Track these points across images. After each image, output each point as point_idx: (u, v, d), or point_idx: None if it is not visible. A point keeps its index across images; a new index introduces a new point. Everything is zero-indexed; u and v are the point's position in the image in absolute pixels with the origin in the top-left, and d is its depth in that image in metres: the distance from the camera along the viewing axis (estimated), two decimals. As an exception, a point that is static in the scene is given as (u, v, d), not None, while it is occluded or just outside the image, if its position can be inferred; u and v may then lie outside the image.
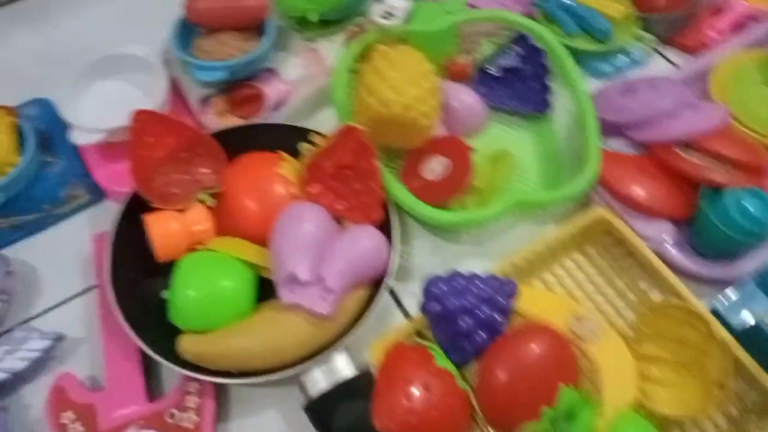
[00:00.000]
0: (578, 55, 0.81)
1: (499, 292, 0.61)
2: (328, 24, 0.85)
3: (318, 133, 0.71)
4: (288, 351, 0.61)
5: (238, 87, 0.81)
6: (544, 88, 0.81)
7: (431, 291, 0.60)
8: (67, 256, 0.74)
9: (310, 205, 0.67)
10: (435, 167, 0.72)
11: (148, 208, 0.68)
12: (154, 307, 0.65)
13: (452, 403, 0.57)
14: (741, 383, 0.60)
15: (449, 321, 0.59)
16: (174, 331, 0.63)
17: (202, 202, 0.69)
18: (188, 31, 0.83)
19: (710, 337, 0.57)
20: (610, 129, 0.75)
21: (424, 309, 0.61)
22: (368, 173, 0.68)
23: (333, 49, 0.85)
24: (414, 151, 0.75)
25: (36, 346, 0.64)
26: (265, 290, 0.66)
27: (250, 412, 0.65)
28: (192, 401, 0.61)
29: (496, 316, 0.60)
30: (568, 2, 0.88)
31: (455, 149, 0.72)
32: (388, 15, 0.77)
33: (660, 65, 0.90)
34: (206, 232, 0.68)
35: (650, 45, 0.88)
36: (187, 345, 0.61)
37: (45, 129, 0.77)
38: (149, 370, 0.65)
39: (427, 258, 0.74)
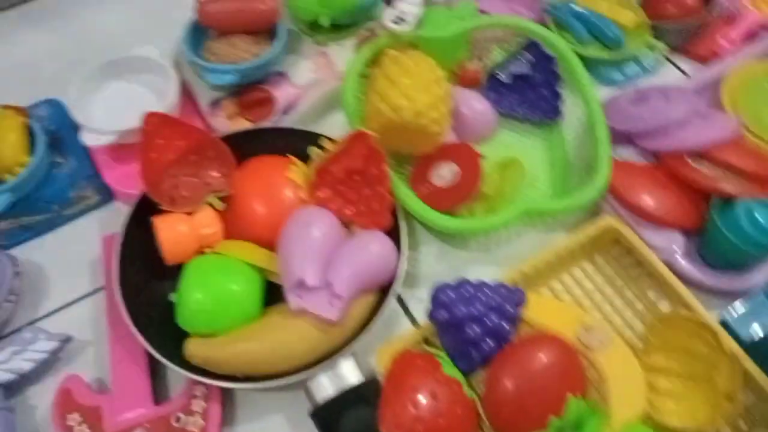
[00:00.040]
0: (589, 63, 0.81)
1: (507, 301, 0.60)
2: (339, 28, 0.85)
3: (328, 138, 0.71)
4: (295, 356, 0.61)
5: (249, 90, 0.81)
6: (555, 96, 0.81)
7: (439, 298, 0.60)
8: (75, 257, 0.75)
9: (319, 209, 0.67)
10: (444, 173, 0.72)
11: (157, 211, 0.68)
12: (162, 310, 0.65)
13: (459, 412, 0.56)
14: (750, 396, 0.60)
15: (457, 329, 0.59)
16: (181, 335, 0.63)
17: (210, 205, 0.69)
18: (199, 33, 0.83)
19: (719, 350, 0.56)
20: (620, 138, 0.75)
21: (432, 316, 0.60)
22: (378, 179, 0.68)
23: (343, 54, 0.84)
24: (423, 157, 0.74)
25: (43, 347, 0.64)
26: (272, 294, 0.66)
27: (256, 417, 0.65)
28: (198, 405, 0.61)
29: (504, 324, 0.59)
30: (580, 10, 0.87)
31: (465, 156, 0.72)
32: (399, 20, 0.77)
33: (671, 74, 0.89)
34: (215, 235, 0.68)
35: (661, 54, 0.88)
36: (194, 349, 0.61)
37: (55, 129, 0.78)
38: (155, 373, 0.65)
39: (434, 264, 0.74)
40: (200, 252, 0.68)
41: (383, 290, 0.66)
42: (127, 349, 0.64)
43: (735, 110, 0.78)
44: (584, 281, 0.70)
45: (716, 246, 0.67)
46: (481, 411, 0.58)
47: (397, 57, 0.71)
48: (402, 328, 0.70)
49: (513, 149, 0.80)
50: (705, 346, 0.57)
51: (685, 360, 0.59)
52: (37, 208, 0.74)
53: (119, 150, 0.75)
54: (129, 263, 0.66)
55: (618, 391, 0.57)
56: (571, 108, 0.81)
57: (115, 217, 0.76)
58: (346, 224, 0.69)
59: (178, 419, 0.61)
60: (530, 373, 0.56)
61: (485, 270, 0.72)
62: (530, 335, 0.60)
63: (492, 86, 0.83)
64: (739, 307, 0.64)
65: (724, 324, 0.62)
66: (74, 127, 0.76)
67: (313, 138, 0.72)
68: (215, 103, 0.81)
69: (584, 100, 0.76)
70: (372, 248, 0.64)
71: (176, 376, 0.64)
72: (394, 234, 0.67)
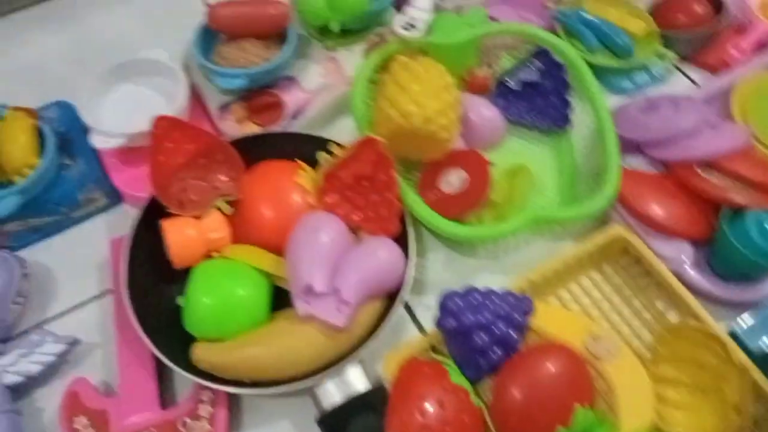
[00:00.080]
0: (598, 71, 0.80)
1: (515, 309, 0.60)
2: (348, 33, 0.85)
3: (336, 143, 0.71)
4: (302, 362, 0.61)
5: (258, 94, 0.81)
6: (564, 103, 0.81)
7: (447, 306, 0.60)
8: (83, 259, 0.75)
9: (327, 215, 0.67)
10: (453, 180, 0.72)
11: (165, 214, 0.68)
12: (169, 314, 0.65)
13: (466, 420, 0.56)
14: (759, 408, 0.59)
15: (465, 337, 0.59)
16: (188, 339, 0.63)
17: (219, 209, 0.69)
18: (210, 37, 0.83)
19: (728, 361, 0.56)
20: (629, 146, 0.74)
21: (440, 324, 0.60)
22: (386, 185, 0.68)
23: (353, 59, 0.84)
24: (432, 164, 0.74)
25: (51, 350, 0.65)
26: (279, 299, 0.66)
27: (262, 422, 0.65)
28: (205, 410, 0.61)
29: (512, 333, 0.59)
30: (590, 18, 0.87)
31: (474, 163, 0.72)
32: (409, 26, 0.77)
33: (680, 83, 0.89)
34: (222, 239, 0.68)
35: (671, 62, 0.88)
36: (201, 353, 0.61)
37: (65, 132, 0.78)
38: (162, 377, 0.65)
39: (441, 271, 0.74)
40: (208, 256, 0.68)
41: (390, 297, 0.65)
42: (135, 352, 0.64)
43: (745, 120, 0.78)
44: (592, 290, 0.70)
45: (725, 256, 0.67)
46: (488, 420, 0.57)
47: (407, 63, 0.71)
48: (409, 335, 0.69)
49: (521, 156, 0.80)
50: (714, 357, 0.57)
51: (693, 371, 0.59)
52: (46, 210, 0.74)
53: (128, 153, 0.76)
54: (137, 266, 0.66)
55: (626, 401, 0.56)
56: (580, 116, 0.81)
57: (123, 219, 0.76)
58: (354, 230, 0.69)
59: (184, 424, 0.60)
60: (538, 382, 0.56)
61: (493, 278, 0.72)
62: (538, 344, 0.60)
63: (501, 93, 0.83)
64: (748, 319, 0.63)
65: (733, 335, 0.62)
66: (84, 130, 0.76)
67: (322, 143, 0.72)
68: (224, 107, 0.81)
69: (593, 109, 0.76)
70: (380, 254, 0.64)
71: (183, 380, 0.64)
72: (401, 240, 0.67)
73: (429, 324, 0.68)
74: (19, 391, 0.65)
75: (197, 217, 0.68)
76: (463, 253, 0.75)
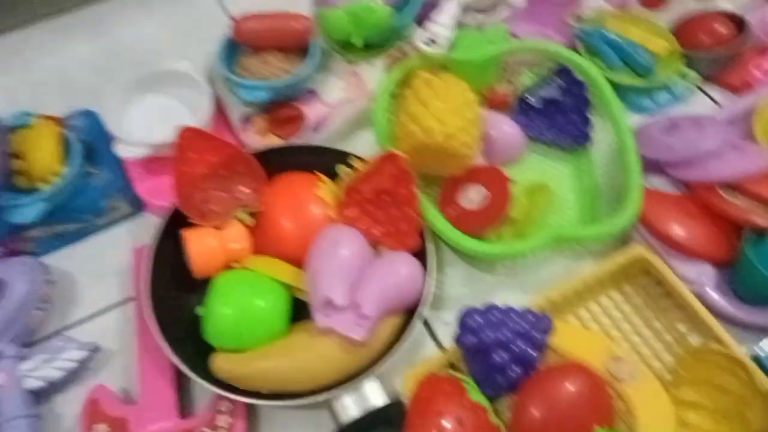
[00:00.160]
0: (619, 90, 0.80)
1: (534, 327, 0.60)
2: (370, 48, 0.86)
3: (357, 157, 0.72)
4: (320, 375, 0.61)
5: (279, 107, 0.82)
6: (585, 122, 0.81)
7: (467, 323, 0.60)
8: (105, 266, 0.75)
9: (348, 229, 0.67)
10: (473, 196, 0.72)
11: (187, 224, 0.68)
12: (189, 324, 0.65)
13: (484, 438, 0.56)
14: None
15: (484, 354, 0.59)
16: (207, 348, 0.64)
17: (240, 220, 0.70)
18: (233, 49, 0.84)
19: (751, 386, 0.56)
20: (650, 166, 0.74)
21: (459, 341, 0.60)
22: (407, 200, 0.68)
23: (374, 73, 0.85)
24: (452, 179, 0.75)
25: (73, 356, 0.65)
26: (297, 311, 0.66)
27: (279, 434, 0.65)
28: (223, 420, 0.61)
29: (531, 351, 0.59)
30: (612, 36, 0.87)
31: (494, 180, 0.72)
32: (431, 42, 0.78)
33: (702, 103, 0.89)
34: (243, 250, 0.69)
35: (693, 82, 0.87)
36: (220, 364, 0.62)
37: (90, 140, 0.78)
38: (180, 386, 0.66)
39: (460, 287, 0.74)
40: (228, 266, 0.68)
41: (409, 312, 0.66)
42: (155, 361, 0.65)
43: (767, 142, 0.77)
44: (612, 310, 0.70)
45: (748, 279, 0.67)
46: (506, 438, 0.57)
47: (430, 79, 0.71)
48: (427, 351, 0.69)
49: (541, 174, 0.80)
50: (737, 382, 0.57)
51: (715, 395, 0.59)
52: (70, 217, 0.75)
53: (152, 162, 0.76)
54: (158, 275, 0.67)
55: (646, 424, 0.56)
56: (600, 134, 0.81)
57: (145, 228, 0.77)
58: (373, 244, 0.69)
59: (202, 434, 0.61)
60: (557, 402, 0.56)
61: (511, 295, 0.72)
62: (557, 363, 0.60)
63: (521, 110, 0.83)
64: (771, 344, 0.63)
65: (756, 360, 0.62)
66: (108, 138, 0.77)
67: (343, 156, 0.73)
68: (246, 119, 0.82)
69: (615, 127, 0.76)
70: (400, 270, 0.64)
71: (201, 389, 0.65)
72: (421, 255, 0.68)
73: (447, 340, 0.68)
74: (40, 396, 0.65)
75: (218, 228, 0.69)
76: (482, 270, 0.75)
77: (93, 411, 0.62)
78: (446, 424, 0.55)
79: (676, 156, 0.73)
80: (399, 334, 0.64)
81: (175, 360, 0.61)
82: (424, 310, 0.65)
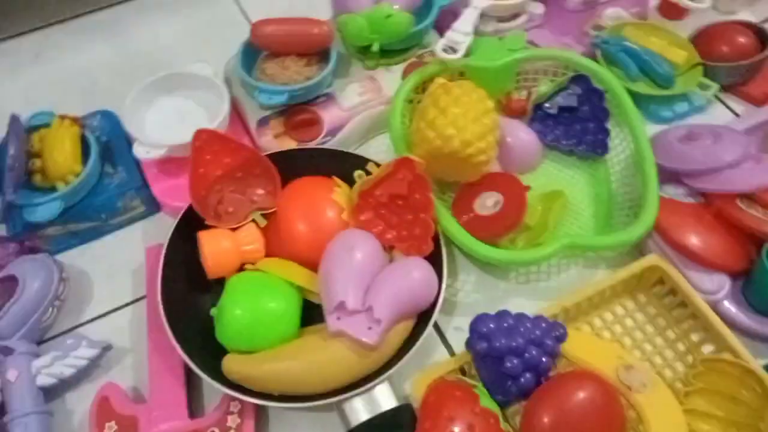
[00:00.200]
0: (638, 99, 0.80)
1: (547, 335, 0.60)
2: (388, 54, 0.86)
3: (373, 162, 0.72)
4: (331, 378, 0.61)
5: (296, 110, 0.82)
6: (602, 130, 0.80)
7: (479, 329, 0.59)
8: (118, 265, 0.76)
9: (362, 233, 0.67)
10: (488, 203, 0.72)
11: (201, 225, 0.69)
12: (201, 324, 0.66)
13: (495, 445, 0.56)
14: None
15: (495, 360, 0.58)
16: (218, 349, 0.64)
17: (254, 222, 0.70)
18: (251, 52, 0.85)
19: (765, 398, 0.55)
20: (666, 175, 0.74)
21: (471, 347, 0.60)
22: (422, 205, 0.68)
23: (391, 79, 0.85)
24: (468, 185, 0.74)
25: (85, 354, 0.65)
26: (308, 313, 0.66)
27: (288, 436, 0.65)
28: (233, 421, 0.61)
29: (543, 358, 0.59)
30: (632, 45, 0.87)
31: (511, 187, 0.71)
32: (450, 49, 0.78)
33: (720, 113, 0.88)
34: (257, 252, 0.69)
35: (712, 93, 0.87)
36: (232, 365, 0.62)
37: (107, 140, 0.80)
38: (191, 386, 0.66)
39: (472, 293, 0.74)
40: (242, 268, 0.68)
41: (420, 316, 0.65)
42: (166, 360, 0.65)
43: (786, 154, 0.76)
44: (625, 319, 0.69)
45: (764, 291, 0.66)
46: (516, 445, 0.57)
47: (448, 86, 0.71)
48: (438, 356, 0.69)
49: (556, 181, 0.80)
50: (751, 393, 0.56)
51: (728, 406, 0.58)
52: (86, 216, 0.75)
53: (168, 163, 0.77)
54: (172, 275, 0.67)
55: (658, 433, 0.56)
56: (617, 143, 0.80)
57: (159, 228, 0.78)
58: (387, 248, 0.69)
59: (212, 434, 0.61)
60: (568, 410, 0.56)
61: (524, 302, 0.72)
62: (569, 371, 0.59)
63: (538, 117, 0.83)
64: (786, 356, 0.62)
65: (771, 372, 0.61)
66: (126, 139, 0.78)
67: (358, 161, 0.73)
68: (263, 122, 0.82)
69: (633, 136, 0.76)
70: (414, 275, 0.64)
71: (210, 390, 0.65)
72: (434, 260, 0.67)
73: (458, 345, 0.68)
74: (52, 392, 0.65)
75: (233, 229, 0.69)
76: (495, 276, 0.74)
77: (103, 409, 0.62)
78: (457, 430, 0.55)
79: (693, 166, 0.72)
80: (410, 338, 0.64)
81: (187, 359, 0.61)
82: (436, 316, 0.65)
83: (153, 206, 0.79)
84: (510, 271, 0.75)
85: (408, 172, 0.68)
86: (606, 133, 0.80)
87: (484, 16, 0.85)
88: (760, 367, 0.60)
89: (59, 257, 0.75)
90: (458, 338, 0.69)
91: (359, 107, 0.83)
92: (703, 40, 0.89)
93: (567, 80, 0.81)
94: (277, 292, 0.65)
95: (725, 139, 0.73)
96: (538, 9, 0.91)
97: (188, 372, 0.64)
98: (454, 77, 0.79)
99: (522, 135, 0.79)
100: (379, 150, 0.84)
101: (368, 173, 0.70)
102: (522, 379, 0.58)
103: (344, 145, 0.81)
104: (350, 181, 0.72)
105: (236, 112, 0.84)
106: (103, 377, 0.68)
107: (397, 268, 0.65)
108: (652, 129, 0.84)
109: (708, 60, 0.87)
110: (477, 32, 0.82)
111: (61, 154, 0.73)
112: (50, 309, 0.69)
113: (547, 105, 0.82)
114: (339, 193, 0.71)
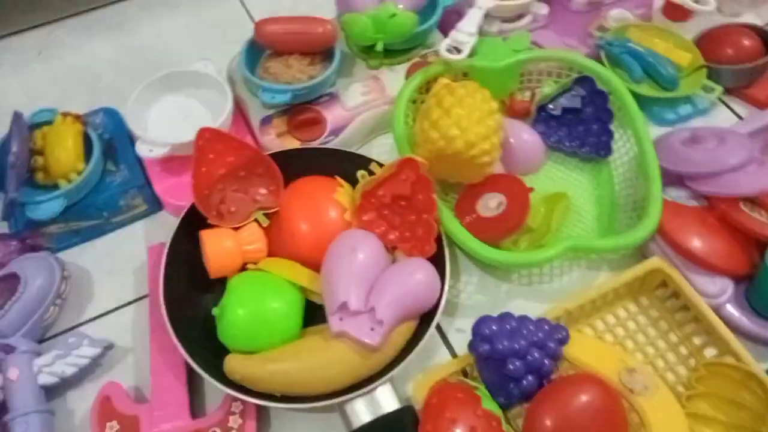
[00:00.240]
0: (642, 101, 0.80)
1: (549, 337, 0.60)
2: (392, 53, 0.86)
3: (376, 162, 0.72)
4: (333, 379, 0.61)
5: (299, 110, 0.82)
6: (605, 132, 0.80)
7: (481, 331, 0.59)
8: (120, 264, 0.76)
9: (365, 233, 0.67)
10: (491, 204, 0.72)
11: (204, 224, 0.69)
12: (202, 323, 0.66)
13: (496, 448, 0.56)
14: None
15: (498, 363, 0.58)
16: (220, 349, 0.64)
17: (257, 221, 0.70)
18: (255, 51, 0.84)
19: (768, 402, 0.55)
20: (669, 178, 0.73)
21: (473, 349, 0.60)
22: (425, 206, 0.68)
23: (395, 79, 0.85)
24: (471, 186, 0.74)
25: (86, 353, 0.65)
26: (311, 314, 0.66)
27: (290, 437, 0.65)
28: (234, 421, 0.61)
29: (546, 361, 0.59)
30: (635, 47, 0.87)
31: (514, 189, 0.71)
32: (454, 49, 0.78)
33: (724, 116, 0.88)
34: (259, 251, 0.69)
35: (716, 95, 0.86)
36: (233, 365, 0.61)
37: (110, 138, 0.79)
38: (193, 386, 0.65)
39: (474, 294, 0.73)
40: (244, 267, 0.68)
41: (423, 318, 0.65)
42: (167, 359, 0.65)
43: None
44: (627, 322, 0.69)
45: (767, 295, 0.66)
46: (518, 448, 0.57)
47: (452, 87, 0.71)
48: (439, 357, 0.69)
49: (559, 183, 0.80)
50: (753, 398, 0.56)
51: (730, 410, 0.58)
52: (88, 214, 0.75)
53: (170, 161, 0.77)
54: (174, 274, 0.67)
55: (660, 437, 0.55)
56: (620, 145, 0.80)
57: (161, 226, 0.78)
58: (389, 249, 0.69)
59: (213, 434, 0.61)
60: (570, 413, 0.56)
61: (526, 304, 0.72)
62: (571, 374, 0.59)
63: (542, 118, 0.83)
64: (789, 360, 0.62)
65: (774, 376, 0.61)
66: (128, 137, 0.78)
67: (361, 161, 0.73)
68: (266, 121, 0.82)
69: (636, 138, 0.76)
70: (417, 276, 0.64)
71: (212, 390, 0.65)
72: (437, 262, 0.67)
73: (459, 346, 0.68)
74: (53, 391, 0.65)
75: (235, 229, 0.69)
76: (497, 277, 0.74)
77: (105, 408, 0.62)
78: (459, 432, 0.55)
79: (697, 168, 0.72)
80: (413, 340, 0.64)
81: (189, 359, 0.61)
82: (439, 317, 0.64)
83: (155, 205, 0.79)
84: (512, 273, 0.75)
85: (411, 172, 0.67)
86: (609, 135, 0.80)
87: (488, 16, 0.85)
88: (763, 371, 0.60)
89: (61, 255, 0.75)
90: (460, 340, 0.69)
91: (362, 107, 0.83)
92: (707, 42, 0.89)
93: (571, 81, 0.81)
94: (280, 292, 0.65)
95: (729, 142, 0.73)
96: (543, 10, 0.91)
97: (190, 372, 0.64)
98: (457, 77, 0.79)
99: (525, 136, 0.79)
100: (382, 150, 0.84)
101: (371, 173, 0.70)
102: (524, 382, 0.58)
103: (347, 145, 0.81)
104: (353, 181, 0.72)
105: (239, 111, 0.84)
106: (104, 376, 0.68)
107: (400, 269, 0.65)
108: (655, 131, 0.83)
109: (712, 62, 0.87)
110: (481, 33, 0.82)
111: (64, 151, 0.73)
112: (52, 307, 0.69)
113: (550, 106, 0.82)
114: (342, 193, 0.71)
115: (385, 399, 0.61)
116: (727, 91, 0.88)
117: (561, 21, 0.93)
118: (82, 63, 0.96)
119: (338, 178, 0.73)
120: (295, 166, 0.73)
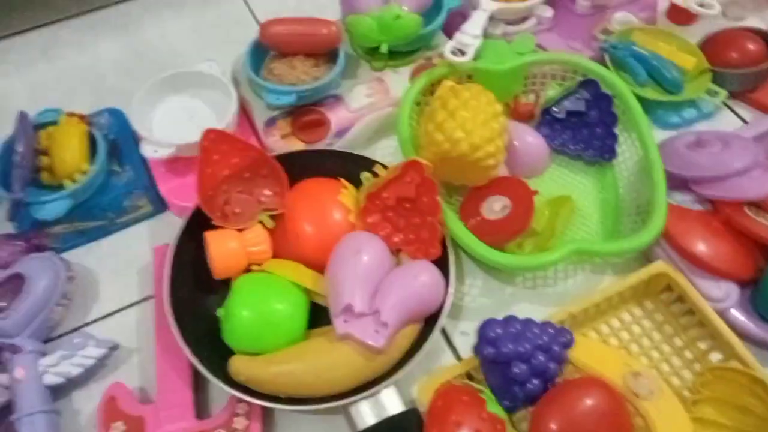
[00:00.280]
0: (646, 105, 0.79)
1: (554, 341, 0.60)
2: (396, 55, 0.86)
3: (381, 164, 0.72)
4: (337, 381, 0.61)
5: (304, 111, 0.82)
6: (610, 135, 0.80)
7: (486, 334, 0.59)
8: (125, 264, 0.76)
9: (370, 235, 0.67)
10: (496, 207, 0.72)
11: (208, 225, 0.69)
12: (207, 325, 0.66)
13: (501, 451, 0.56)
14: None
15: (503, 366, 0.58)
16: (225, 350, 0.64)
17: (261, 223, 0.70)
18: (259, 52, 0.84)
19: (774, 408, 0.55)
20: (674, 182, 0.73)
21: (478, 352, 0.60)
22: (430, 208, 0.68)
23: (399, 81, 0.85)
24: (475, 189, 0.74)
25: (92, 353, 0.65)
26: (316, 315, 0.66)
27: (295, 439, 0.65)
28: (240, 423, 0.61)
29: (551, 364, 0.59)
30: (640, 50, 0.87)
31: (519, 191, 0.71)
32: (458, 51, 0.78)
33: (728, 120, 0.88)
34: (263, 253, 0.69)
35: (720, 99, 0.86)
36: (238, 366, 0.62)
37: (114, 138, 0.79)
38: (198, 387, 0.66)
39: (479, 297, 0.73)
40: (248, 269, 0.68)
41: (428, 320, 0.65)
42: (173, 361, 0.65)
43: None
44: (632, 326, 0.69)
45: (773, 300, 0.66)
46: (523, 452, 0.57)
47: (457, 89, 0.71)
48: (444, 360, 0.69)
49: (564, 186, 0.80)
50: (759, 403, 0.56)
51: (735, 415, 0.58)
52: (93, 214, 0.75)
53: (175, 162, 0.77)
54: (179, 275, 0.67)
55: (665, 441, 0.56)
56: (625, 148, 0.80)
57: (166, 227, 0.78)
58: (394, 252, 0.69)
59: (218, 436, 0.61)
60: (575, 417, 0.56)
61: (530, 307, 0.72)
62: (576, 378, 0.59)
63: (546, 121, 0.83)
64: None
65: (779, 382, 0.61)
66: (133, 137, 0.78)
67: (366, 163, 0.73)
68: (270, 122, 0.82)
69: (641, 142, 0.75)
70: (422, 278, 0.64)
71: (217, 391, 0.65)
72: (441, 264, 0.67)
73: (465, 350, 0.68)
74: (58, 391, 0.65)
75: (240, 230, 0.69)
76: (502, 281, 0.74)
77: (110, 409, 0.62)
78: (464, 435, 0.55)
79: (701, 172, 0.72)
80: (417, 342, 0.64)
81: (194, 360, 0.61)
82: (444, 320, 0.64)
83: (160, 206, 0.79)
84: (517, 276, 0.75)
85: (416, 174, 0.67)
86: (614, 138, 0.80)
87: (492, 18, 0.85)
88: (768, 376, 0.60)
89: (66, 255, 0.75)
90: (465, 343, 0.69)
91: (367, 109, 0.83)
92: (711, 46, 0.89)
93: (575, 85, 0.81)
94: (284, 293, 0.65)
95: (734, 146, 0.73)
96: (547, 12, 0.91)
97: (195, 373, 0.64)
98: (462, 80, 0.79)
99: (529, 139, 0.79)
100: (387, 152, 0.84)
101: (375, 175, 0.70)
102: (529, 385, 0.58)
103: (351, 147, 0.81)
104: (357, 183, 0.72)
105: (244, 112, 0.84)
106: (109, 377, 0.68)
107: (405, 272, 0.65)
108: (659, 135, 0.83)
109: (716, 66, 0.87)
110: (486, 35, 0.82)
111: (69, 151, 0.73)
112: (57, 307, 0.69)
113: (555, 109, 0.82)
114: (346, 194, 0.71)
115: (389, 401, 0.61)
116: (732, 95, 0.88)
117: (565, 24, 0.93)
118: (87, 63, 0.96)
119: (342, 180, 0.73)
120: (299, 167, 0.73)
